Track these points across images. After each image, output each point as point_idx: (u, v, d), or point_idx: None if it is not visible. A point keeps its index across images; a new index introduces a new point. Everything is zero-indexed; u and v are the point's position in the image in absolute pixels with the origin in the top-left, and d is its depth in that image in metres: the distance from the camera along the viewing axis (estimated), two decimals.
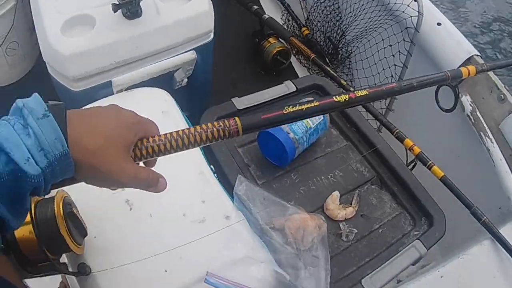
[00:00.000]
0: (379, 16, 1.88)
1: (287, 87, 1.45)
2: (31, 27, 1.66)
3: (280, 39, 2.39)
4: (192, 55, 1.42)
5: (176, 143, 0.60)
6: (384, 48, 1.86)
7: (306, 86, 1.48)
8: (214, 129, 0.62)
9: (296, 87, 1.45)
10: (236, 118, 0.64)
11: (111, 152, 0.56)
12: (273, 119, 0.67)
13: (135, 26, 1.30)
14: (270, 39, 2.36)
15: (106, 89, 1.33)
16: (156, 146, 0.60)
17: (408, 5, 1.71)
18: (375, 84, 1.91)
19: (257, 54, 2.44)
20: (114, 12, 1.24)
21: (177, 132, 0.61)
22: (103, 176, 0.57)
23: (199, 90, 1.65)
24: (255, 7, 2.37)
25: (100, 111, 0.59)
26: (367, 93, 0.79)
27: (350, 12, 2.07)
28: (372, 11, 1.92)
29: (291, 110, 0.69)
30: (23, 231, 0.71)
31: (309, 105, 0.71)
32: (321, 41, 2.34)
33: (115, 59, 1.28)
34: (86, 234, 0.83)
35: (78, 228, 0.80)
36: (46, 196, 0.62)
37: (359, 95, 0.78)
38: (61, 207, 0.75)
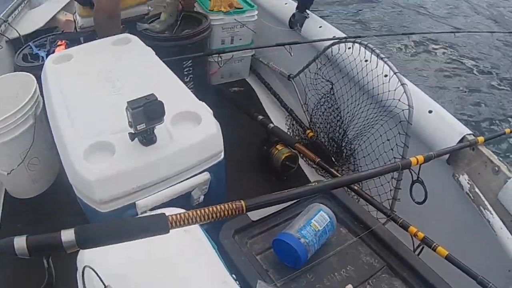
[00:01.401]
0: (375, 113, 2.13)
1: None
2: (51, 143, 1.84)
3: None
4: (205, 176, 1.63)
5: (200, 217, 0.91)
6: (383, 143, 2.07)
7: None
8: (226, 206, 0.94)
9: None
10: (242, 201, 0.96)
11: None
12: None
13: (152, 152, 1.52)
14: (278, 146, 2.58)
15: (132, 209, 1.53)
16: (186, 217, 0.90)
17: (399, 100, 1.95)
18: (379, 178, 2.10)
19: (267, 161, 2.66)
20: (131, 140, 1.48)
21: (200, 210, 0.92)
22: None
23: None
24: (261, 117, 2.67)
25: None
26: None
27: (348, 112, 2.33)
28: (368, 109, 2.18)
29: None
30: None
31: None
32: (325, 142, 2.59)
33: (136, 184, 1.49)
34: None
35: None
36: None
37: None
38: None
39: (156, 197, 1.53)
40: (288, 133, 2.87)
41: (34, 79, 2.29)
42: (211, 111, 1.77)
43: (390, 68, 1.96)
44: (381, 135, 2.10)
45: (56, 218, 2.16)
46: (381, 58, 2.02)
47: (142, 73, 1.96)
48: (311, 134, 2.71)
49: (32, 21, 3.82)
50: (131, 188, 1.48)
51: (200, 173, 1.64)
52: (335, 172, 2.04)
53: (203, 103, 1.79)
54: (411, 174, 1.50)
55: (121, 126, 1.51)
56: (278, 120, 3.11)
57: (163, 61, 2.32)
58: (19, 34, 3.43)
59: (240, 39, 3.33)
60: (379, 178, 2.06)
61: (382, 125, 2.10)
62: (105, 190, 1.46)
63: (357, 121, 2.27)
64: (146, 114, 1.40)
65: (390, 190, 1.95)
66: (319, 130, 2.66)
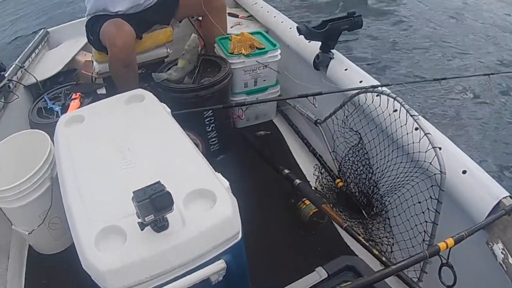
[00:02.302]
0: (405, 172, 2.07)
1: (319, 274, 1.59)
2: None
3: None
4: (221, 265, 1.57)
5: None
6: (414, 204, 2.01)
7: (337, 269, 1.62)
8: None
9: (328, 273, 1.60)
10: None
11: None
12: None
13: (164, 239, 1.48)
14: (306, 201, 2.54)
15: None
16: None
17: (430, 163, 1.88)
18: (410, 239, 2.06)
19: (294, 214, 2.62)
20: (141, 230, 1.45)
21: None
22: None
23: (236, 284, 1.80)
24: (286, 171, 2.63)
25: None
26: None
27: (378, 168, 2.28)
28: (398, 167, 2.12)
29: None
30: None
31: None
32: (355, 192, 2.54)
33: (149, 273, 1.46)
34: None
35: None
36: None
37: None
38: None
39: None
40: (317, 181, 2.83)
41: (49, 138, 2.32)
42: (228, 185, 1.71)
43: (421, 128, 1.90)
44: (412, 196, 2.04)
45: (79, 274, 2.19)
46: (412, 116, 1.96)
47: (155, 140, 1.94)
48: (340, 184, 2.66)
49: (50, 64, 3.88)
50: (144, 277, 1.46)
51: (216, 256, 1.58)
52: (362, 240, 1.97)
53: (219, 175, 1.74)
54: (440, 259, 1.43)
55: (132, 209, 1.46)
56: (306, 166, 3.07)
57: (182, 113, 2.32)
58: (37, 80, 3.49)
59: (264, 81, 3.29)
60: None
61: (413, 186, 2.04)
62: (117, 280, 1.44)
63: (388, 178, 2.21)
64: (154, 206, 1.37)
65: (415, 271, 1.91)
66: (349, 180, 2.61)
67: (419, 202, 1.98)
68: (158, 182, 1.40)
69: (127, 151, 1.86)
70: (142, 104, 2.20)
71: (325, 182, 2.80)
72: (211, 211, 1.57)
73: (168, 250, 1.48)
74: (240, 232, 1.65)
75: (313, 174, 2.88)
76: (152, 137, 1.97)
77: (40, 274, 2.48)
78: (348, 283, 1.24)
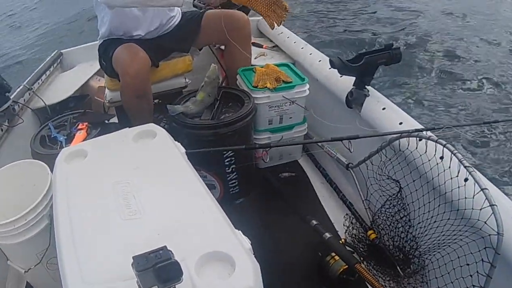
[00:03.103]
0: (453, 230, 1.87)
1: None
2: None
3: None
4: None
5: None
6: (461, 266, 1.81)
7: None
8: None
9: None
10: None
11: None
12: None
13: None
14: (335, 256, 2.35)
15: None
16: None
17: (485, 222, 1.70)
18: None
19: (320, 269, 2.43)
20: None
21: None
22: None
23: None
24: (314, 222, 2.46)
25: None
26: None
27: (420, 223, 2.08)
28: (444, 224, 1.92)
29: None
30: None
31: None
32: (389, 246, 2.35)
33: None
34: None
35: None
36: None
37: None
38: None
39: None
40: (347, 232, 2.64)
41: (49, 172, 2.19)
42: (249, 246, 1.49)
43: (476, 182, 1.71)
44: (459, 257, 1.84)
45: None
46: (466, 167, 1.77)
47: (165, 187, 1.76)
48: (373, 236, 2.46)
49: (61, 88, 3.83)
50: None
51: None
52: None
53: (239, 233, 1.53)
54: None
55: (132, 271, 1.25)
56: (334, 213, 2.89)
57: (199, 152, 2.15)
58: (45, 104, 3.41)
59: (290, 118, 3.13)
60: None
61: (461, 246, 1.83)
62: None
63: (431, 234, 2.00)
64: (158, 277, 1.17)
65: None
66: (383, 232, 2.42)
67: (468, 264, 1.78)
68: (164, 248, 1.22)
69: (132, 199, 1.68)
70: (153, 142, 2.03)
71: (355, 233, 2.61)
72: (228, 281, 1.35)
73: None
74: None
75: (343, 225, 2.69)
76: (162, 183, 1.78)
77: None
78: None
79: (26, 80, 3.64)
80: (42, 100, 3.49)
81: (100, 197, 1.71)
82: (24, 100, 3.44)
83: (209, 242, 1.45)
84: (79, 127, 2.82)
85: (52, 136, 2.82)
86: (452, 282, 1.88)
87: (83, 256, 1.46)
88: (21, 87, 3.54)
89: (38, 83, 3.73)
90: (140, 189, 1.72)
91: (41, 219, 2.10)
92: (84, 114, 3.10)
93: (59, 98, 3.62)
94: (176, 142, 2.04)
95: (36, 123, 3.39)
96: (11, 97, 3.19)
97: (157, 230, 1.51)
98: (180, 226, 1.53)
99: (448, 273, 1.90)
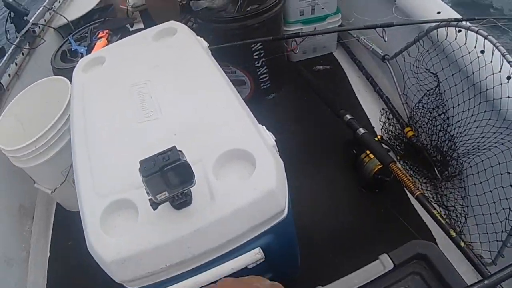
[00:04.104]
0: (495, 132, 1.72)
1: (383, 264, 1.34)
2: None
3: None
4: (257, 255, 1.30)
5: None
6: (501, 174, 1.69)
7: (406, 259, 1.36)
8: None
9: (394, 263, 1.34)
10: None
11: None
12: None
13: (185, 219, 1.22)
14: (370, 154, 2.25)
15: (161, 286, 1.28)
16: None
17: None
18: (491, 214, 1.76)
19: (354, 167, 2.35)
20: (154, 210, 1.17)
21: None
22: None
23: (281, 266, 1.56)
24: (348, 116, 2.33)
25: None
26: None
27: (459, 121, 1.94)
28: (485, 125, 1.78)
29: None
30: None
31: None
32: (427, 145, 2.22)
33: (165, 263, 1.22)
34: None
35: None
36: None
37: None
38: None
39: (189, 284, 1.25)
40: (383, 128, 2.51)
41: (69, 85, 2.12)
42: (273, 142, 1.40)
43: None
44: (499, 163, 1.72)
45: None
46: (509, 62, 1.59)
47: (184, 84, 1.65)
48: (410, 133, 2.34)
49: (83, 2, 3.70)
50: (158, 268, 1.22)
51: (252, 240, 1.30)
52: (437, 216, 1.67)
53: (263, 127, 1.43)
54: None
55: None
56: (370, 109, 2.78)
57: (226, 46, 2.09)
58: (67, 20, 3.32)
59: (323, 8, 2.94)
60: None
61: (502, 151, 1.70)
62: (124, 271, 1.21)
63: (470, 135, 1.87)
64: (166, 181, 1.08)
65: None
66: (421, 130, 2.28)
67: (508, 173, 1.67)
68: (173, 148, 1.09)
69: (149, 100, 1.59)
70: (174, 39, 1.91)
71: (392, 130, 2.48)
72: (249, 181, 1.26)
73: (189, 234, 1.21)
74: (286, 208, 1.35)
75: (379, 120, 2.55)
76: (182, 80, 1.67)
77: (67, 234, 2.39)
78: None
79: (46, 1, 3.52)
80: (64, 17, 3.38)
81: (116, 102, 1.64)
82: (45, 21, 3.36)
83: (228, 140, 1.36)
84: (99, 35, 2.71)
85: (72, 49, 2.72)
86: (491, 191, 1.77)
87: (97, 167, 1.41)
88: (41, 8, 3.43)
89: (59, 1, 3.60)
90: (158, 88, 1.64)
91: (62, 135, 2.08)
92: (104, 22, 2.97)
93: (82, 12, 3.50)
94: (199, 37, 1.93)
95: (59, 41, 3.30)
96: (30, 20, 3.12)
97: (174, 130, 1.44)
98: (198, 125, 1.44)
99: (488, 180, 1.79)
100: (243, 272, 1.31)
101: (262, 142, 1.35)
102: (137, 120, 1.52)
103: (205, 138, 1.37)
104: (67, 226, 2.46)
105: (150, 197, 1.13)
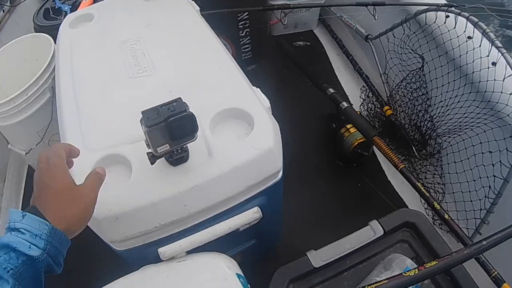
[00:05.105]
0: (477, 113, 1.79)
1: (374, 230, 1.40)
2: None
3: None
4: (255, 214, 1.31)
5: None
6: (482, 153, 1.76)
7: (395, 226, 1.42)
8: None
9: (384, 230, 1.40)
10: None
11: (73, 198, 0.91)
12: None
13: (182, 176, 1.20)
14: (350, 128, 2.30)
15: (153, 247, 1.25)
16: None
17: (507, 104, 1.62)
18: (470, 192, 1.84)
19: (334, 142, 2.40)
20: (151, 164, 1.15)
21: None
22: (85, 216, 0.93)
23: (267, 232, 1.60)
24: (331, 90, 2.37)
25: (46, 184, 0.91)
26: (437, 262, 1.02)
27: (441, 101, 2.00)
28: (469, 106, 1.84)
29: None
30: None
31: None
32: (406, 124, 2.29)
33: (159, 222, 1.19)
34: None
35: None
36: None
37: (429, 266, 1.01)
38: None
39: (184, 244, 1.25)
40: (362, 105, 2.57)
41: (52, 43, 2.09)
42: (268, 104, 1.40)
43: (508, 63, 1.59)
44: (481, 143, 1.79)
45: None
46: (498, 48, 1.65)
47: (178, 43, 1.64)
48: (389, 112, 2.39)
49: None
50: (152, 226, 1.20)
51: (248, 200, 1.31)
52: (422, 189, 1.72)
53: (258, 90, 1.43)
54: None
55: (141, 132, 1.11)
56: (349, 87, 2.83)
57: (213, 13, 2.05)
58: None
59: None
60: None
61: (484, 131, 1.77)
62: (116, 230, 1.18)
63: (452, 115, 1.93)
64: (171, 132, 1.05)
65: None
66: (400, 109, 2.34)
67: (490, 152, 1.73)
68: (179, 99, 1.07)
69: (141, 56, 1.57)
70: None
71: (371, 108, 2.54)
72: (247, 139, 1.26)
73: (186, 191, 1.19)
74: (281, 171, 1.37)
75: (359, 97, 2.61)
76: (176, 39, 1.66)
77: None
78: (433, 262, 1.04)
79: None
80: None
81: (106, 58, 1.60)
82: None
83: (225, 98, 1.36)
84: None
85: (56, 7, 2.66)
86: (471, 169, 1.84)
87: (86, 122, 1.37)
88: None
89: None
90: (152, 45, 1.62)
91: (42, 93, 2.03)
92: None
93: None
94: (191, 0, 1.92)
95: (40, 0, 3.21)
96: None
97: (168, 87, 1.42)
98: (194, 83, 1.43)
99: (468, 158, 1.86)
100: (232, 235, 1.33)
101: (259, 103, 1.36)
102: (129, 76, 1.50)
103: (202, 96, 1.36)
104: None
105: (149, 150, 1.11)
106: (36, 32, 2.48)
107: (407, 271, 1.03)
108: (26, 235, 0.80)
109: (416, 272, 1.02)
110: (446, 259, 1.04)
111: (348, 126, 2.31)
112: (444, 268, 1.05)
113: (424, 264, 1.04)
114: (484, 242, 1.06)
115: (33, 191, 0.92)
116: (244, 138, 1.27)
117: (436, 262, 1.03)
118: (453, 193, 1.96)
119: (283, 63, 2.96)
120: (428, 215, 1.91)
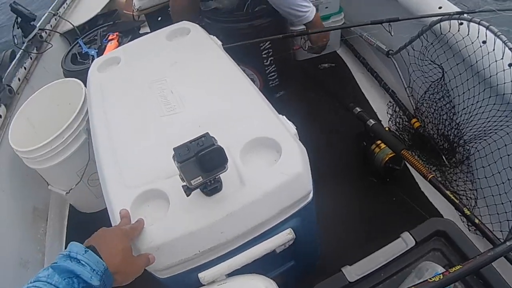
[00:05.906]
0: (499, 116, 1.82)
1: (405, 242, 1.42)
2: None
3: None
4: (288, 235, 1.36)
5: None
6: (508, 155, 1.78)
7: (426, 236, 1.44)
8: None
9: (415, 240, 1.42)
10: None
11: (127, 258, 1.09)
12: None
13: (217, 205, 1.27)
14: (380, 144, 2.34)
15: (194, 272, 1.31)
16: None
17: None
18: (500, 194, 1.85)
19: (365, 158, 2.44)
20: (187, 196, 1.23)
21: None
22: (130, 273, 1.11)
23: (303, 251, 1.62)
24: (358, 109, 2.43)
25: (107, 237, 1.10)
26: (462, 266, 1.05)
27: (464, 108, 2.03)
28: (490, 110, 1.87)
29: None
30: None
31: None
32: (434, 134, 2.31)
33: (198, 249, 1.26)
34: None
35: None
36: None
37: (454, 270, 1.04)
38: None
39: (223, 268, 1.31)
40: (390, 121, 2.60)
41: (83, 86, 2.21)
42: (295, 130, 1.46)
43: None
44: (506, 145, 1.80)
45: None
46: (510, 49, 1.68)
47: (204, 79, 1.73)
48: (417, 124, 2.43)
49: (87, 7, 3.76)
50: (192, 254, 1.26)
51: (281, 223, 1.36)
52: (450, 196, 1.75)
53: (283, 118, 1.50)
54: None
55: (175, 167, 1.19)
56: (377, 103, 2.87)
57: (235, 46, 2.12)
58: (73, 26, 3.38)
59: (326, 8, 3.05)
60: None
61: (508, 133, 1.80)
62: (158, 260, 1.24)
63: (476, 121, 1.96)
64: (201, 165, 1.12)
65: None
66: (427, 120, 2.37)
67: None
68: (206, 134, 1.14)
69: (170, 95, 1.66)
70: (188, 38, 2.00)
71: (399, 122, 2.57)
72: (276, 166, 1.32)
73: (222, 219, 1.25)
74: (312, 192, 1.41)
75: (386, 113, 2.65)
76: (201, 75, 1.75)
77: (81, 235, 2.39)
78: (458, 267, 1.07)
79: (51, 7, 3.62)
80: (70, 22, 3.46)
81: (137, 99, 1.70)
82: (51, 26, 3.43)
83: (252, 129, 1.43)
84: (110, 37, 2.79)
85: (83, 52, 2.80)
86: (499, 172, 1.86)
87: (123, 160, 1.46)
88: (46, 14, 3.51)
89: (63, 7, 3.69)
90: (179, 83, 1.71)
91: (78, 135, 2.13)
92: (113, 25, 3.06)
93: (87, 17, 3.59)
94: (212, 36, 2.01)
95: (66, 46, 3.39)
96: (37, 25, 3.18)
97: (198, 122, 1.49)
98: (222, 116, 1.50)
99: (495, 162, 1.87)
100: (270, 257, 1.38)
101: (285, 130, 1.42)
102: (160, 114, 1.58)
103: (230, 128, 1.43)
104: (81, 228, 2.46)
105: (183, 184, 1.18)
106: (65, 77, 2.62)
107: (433, 277, 1.06)
108: (87, 268, 0.96)
109: (441, 278, 1.05)
110: (471, 262, 1.07)
111: (378, 142, 2.35)
112: (469, 271, 1.07)
113: (449, 269, 1.06)
114: (508, 243, 1.08)
115: (95, 233, 1.13)
116: (273, 165, 1.33)
117: (461, 266, 1.06)
118: (484, 197, 1.98)
119: (309, 87, 3.02)
120: (463, 221, 1.91)
